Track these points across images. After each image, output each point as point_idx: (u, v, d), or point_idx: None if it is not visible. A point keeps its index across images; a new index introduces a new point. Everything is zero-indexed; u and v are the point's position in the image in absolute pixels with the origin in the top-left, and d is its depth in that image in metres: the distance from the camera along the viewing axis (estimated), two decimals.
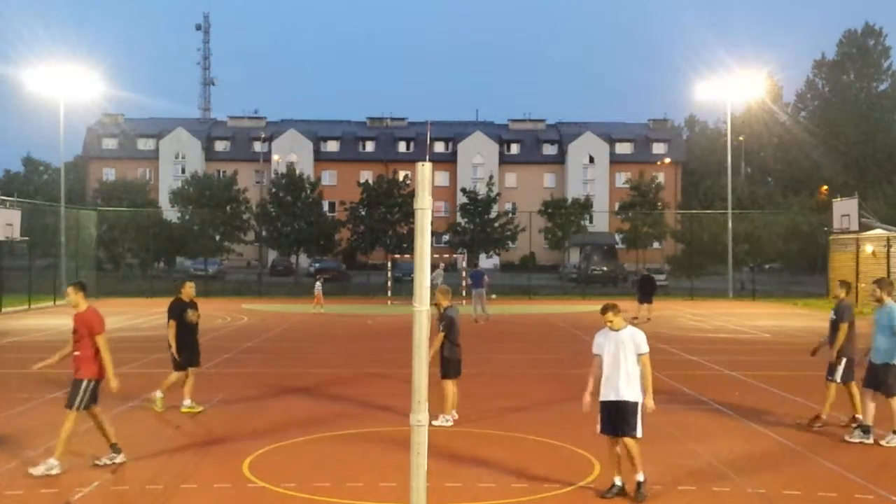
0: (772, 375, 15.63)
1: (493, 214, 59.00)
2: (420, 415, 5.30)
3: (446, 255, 43.95)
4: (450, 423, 11.16)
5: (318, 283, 31.91)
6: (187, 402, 11.87)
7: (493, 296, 29.58)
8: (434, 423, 11.16)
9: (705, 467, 9.08)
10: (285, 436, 10.41)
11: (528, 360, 18.16)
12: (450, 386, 11.31)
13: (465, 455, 9.49)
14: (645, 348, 8.02)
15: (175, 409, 12.12)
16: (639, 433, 7.99)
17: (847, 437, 10.28)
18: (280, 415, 11.71)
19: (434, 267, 32.25)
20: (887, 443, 10.00)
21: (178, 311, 11.93)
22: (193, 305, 12.08)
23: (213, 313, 29.81)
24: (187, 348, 11.92)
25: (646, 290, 27.47)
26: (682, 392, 13.85)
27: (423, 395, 5.31)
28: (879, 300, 10.25)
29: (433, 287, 25.08)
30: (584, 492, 8.17)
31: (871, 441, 10.06)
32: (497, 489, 8.17)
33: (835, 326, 10.97)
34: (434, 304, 11.06)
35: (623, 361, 7.93)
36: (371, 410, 12.18)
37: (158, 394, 11.87)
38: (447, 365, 11.33)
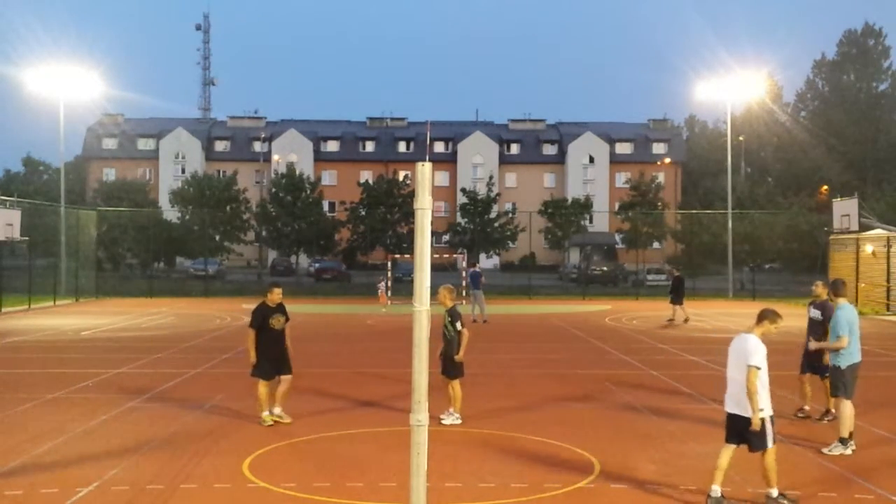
0: (771, 375, 15.59)
1: (493, 214, 59.02)
2: (420, 415, 5.30)
3: (446, 255, 43.96)
4: (459, 422, 11.18)
5: (381, 283, 32.45)
6: (277, 409, 11.18)
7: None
8: (444, 421, 11.16)
9: (705, 467, 9.07)
10: (285, 436, 10.41)
11: (528, 360, 18.16)
12: (457, 385, 11.36)
13: (466, 455, 9.49)
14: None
15: (173, 409, 12.12)
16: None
17: (825, 450, 9.83)
18: None
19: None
20: (829, 451, 9.70)
21: (261, 318, 11.14)
22: (280, 310, 11.28)
23: (213, 313, 29.82)
24: (273, 356, 11.14)
25: (674, 291, 27.75)
26: (682, 392, 13.86)
27: (423, 395, 5.31)
28: (830, 300, 10.40)
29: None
30: (584, 492, 8.16)
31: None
32: (497, 489, 8.17)
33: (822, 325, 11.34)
34: (438, 303, 11.05)
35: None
36: (371, 410, 12.18)
37: (263, 414, 11.14)
38: (459, 366, 11.38)
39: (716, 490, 7.62)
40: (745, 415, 7.52)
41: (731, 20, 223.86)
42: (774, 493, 7.66)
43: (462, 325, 11.33)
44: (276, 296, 11.30)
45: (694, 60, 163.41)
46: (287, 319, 11.39)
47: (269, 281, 13.01)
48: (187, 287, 44.24)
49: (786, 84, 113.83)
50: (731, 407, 7.70)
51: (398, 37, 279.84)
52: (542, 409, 12.44)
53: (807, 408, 11.69)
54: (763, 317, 7.78)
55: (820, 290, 11.78)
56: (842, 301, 10.17)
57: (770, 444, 7.57)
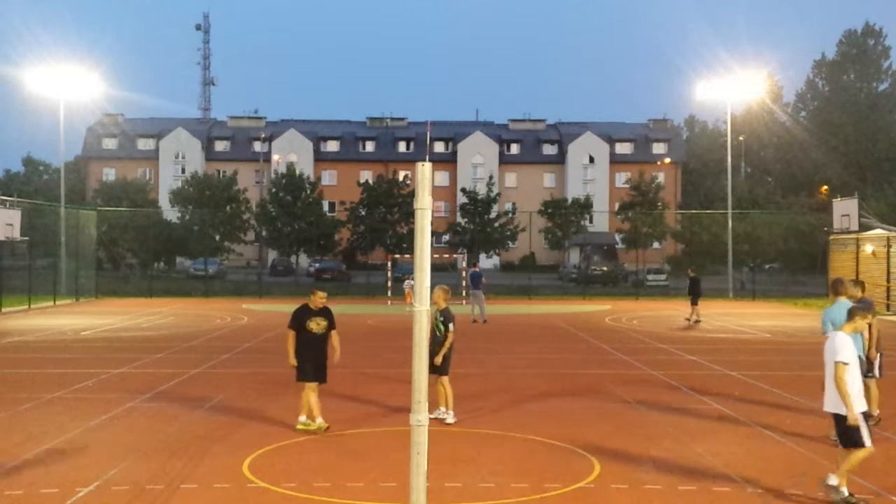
0: (772, 375, 15.64)
1: (493, 214, 59.04)
2: (420, 415, 5.30)
3: (446, 255, 43.94)
4: (454, 420, 11.14)
5: (408, 282, 32.97)
6: (303, 417, 10.80)
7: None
8: (447, 420, 11.13)
9: (705, 467, 9.08)
10: (285, 436, 10.41)
11: (528, 360, 18.16)
12: (447, 383, 11.29)
13: (465, 455, 9.49)
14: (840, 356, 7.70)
15: (173, 409, 12.11)
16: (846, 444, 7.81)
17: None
18: (280, 415, 11.70)
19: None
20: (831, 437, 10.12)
21: (300, 321, 10.75)
22: (322, 314, 10.85)
23: (213, 313, 29.83)
24: (311, 361, 10.70)
25: (692, 292, 27.28)
26: (682, 392, 13.86)
27: (423, 395, 5.31)
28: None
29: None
30: (584, 492, 8.16)
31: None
32: (497, 489, 8.17)
33: None
34: (432, 303, 10.98)
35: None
36: (371, 410, 12.18)
37: (302, 418, 10.77)
38: (446, 362, 11.31)
39: (842, 490, 7.73)
40: (844, 412, 7.65)
41: (731, 20, 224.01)
42: (834, 480, 7.69)
43: (450, 329, 11.23)
44: (318, 299, 10.96)
45: (694, 60, 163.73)
46: (332, 326, 10.93)
47: (314, 285, 12.43)
48: (187, 287, 44.24)
49: (786, 84, 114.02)
50: (829, 406, 7.84)
51: (398, 36, 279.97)
52: (542, 408, 12.43)
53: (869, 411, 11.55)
54: (853, 314, 8.03)
55: (852, 290, 11.47)
56: (841, 299, 10.32)
57: (866, 442, 7.66)
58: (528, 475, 8.65)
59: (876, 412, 11.28)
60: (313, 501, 7.80)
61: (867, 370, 11.26)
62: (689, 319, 26.85)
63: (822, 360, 10.27)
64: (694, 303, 27.00)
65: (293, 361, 10.75)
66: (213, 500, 7.88)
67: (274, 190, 59.31)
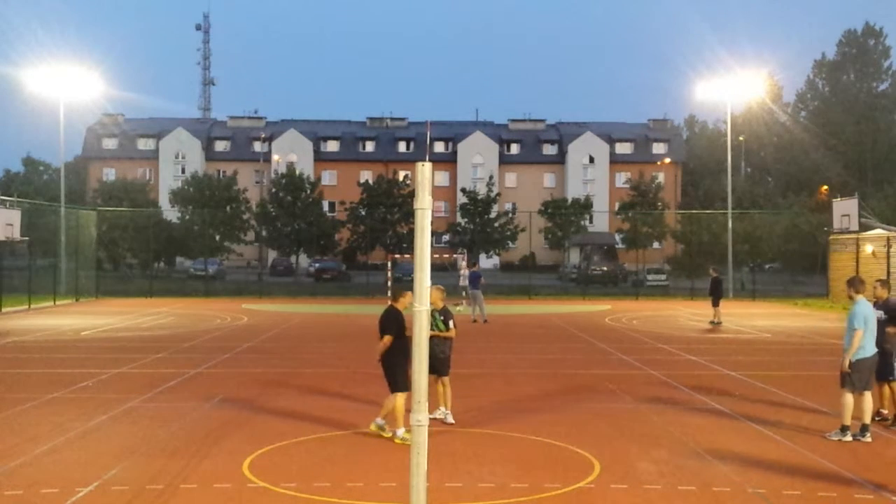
0: (772, 375, 15.64)
1: (493, 214, 59.04)
2: (420, 415, 5.30)
3: (446, 255, 43.94)
4: (454, 420, 11.14)
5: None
6: (401, 431, 10.15)
7: (458, 308, 27.40)
8: (447, 420, 11.12)
9: (705, 467, 9.08)
10: (285, 436, 10.40)
11: (527, 360, 18.15)
12: (448, 383, 11.29)
13: (465, 455, 9.49)
14: None
15: (173, 409, 12.11)
16: None
17: (827, 435, 10.43)
18: (280, 415, 11.70)
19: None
20: (829, 436, 10.37)
21: (401, 326, 10.07)
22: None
23: (213, 313, 29.81)
24: (403, 368, 10.04)
25: (714, 293, 26.50)
26: (682, 392, 13.85)
27: (423, 395, 5.31)
28: (850, 297, 10.60)
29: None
30: (584, 492, 8.16)
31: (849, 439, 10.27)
32: (497, 489, 8.17)
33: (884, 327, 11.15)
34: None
35: None
36: (371, 410, 12.14)
37: (400, 432, 10.11)
38: (447, 362, 11.32)
39: None
40: None
41: (731, 20, 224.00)
42: None
43: (455, 325, 11.24)
44: (409, 299, 10.16)
45: (694, 60, 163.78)
46: None
47: (399, 286, 11.95)
48: (187, 287, 44.23)
49: (786, 84, 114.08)
50: None
51: (398, 36, 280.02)
52: (542, 408, 12.43)
53: (884, 411, 11.52)
54: None
55: (880, 291, 11.40)
56: (859, 297, 10.42)
57: None
58: (528, 475, 8.65)
59: (884, 411, 11.37)
60: (313, 501, 7.80)
61: (889, 372, 11.27)
62: (714, 322, 26.02)
63: (824, 359, 10.31)
64: (715, 304, 26.18)
65: (399, 369, 10.12)
66: (213, 500, 7.87)
67: (274, 190, 59.33)
